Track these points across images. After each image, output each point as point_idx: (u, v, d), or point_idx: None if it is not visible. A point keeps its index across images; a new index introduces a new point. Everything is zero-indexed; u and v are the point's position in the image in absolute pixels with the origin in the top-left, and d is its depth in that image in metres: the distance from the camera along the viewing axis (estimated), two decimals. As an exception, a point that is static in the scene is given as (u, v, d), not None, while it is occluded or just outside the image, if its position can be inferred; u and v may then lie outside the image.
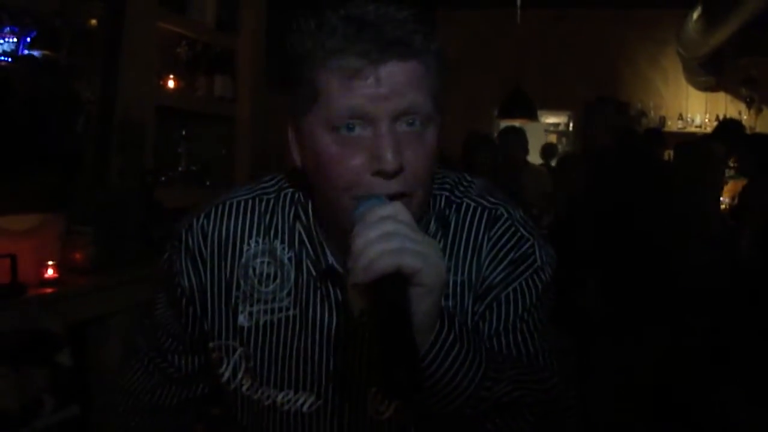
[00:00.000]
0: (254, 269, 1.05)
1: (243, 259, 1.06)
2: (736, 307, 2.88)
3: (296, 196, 1.07)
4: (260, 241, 1.06)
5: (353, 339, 1.03)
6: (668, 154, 5.17)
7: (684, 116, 7.55)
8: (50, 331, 2.22)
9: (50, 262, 2.45)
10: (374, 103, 0.88)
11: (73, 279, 2.52)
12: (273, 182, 1.10)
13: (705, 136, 6.54)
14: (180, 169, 3.52)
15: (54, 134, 2.73)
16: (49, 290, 2.38)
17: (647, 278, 3.02)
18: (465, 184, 1.09)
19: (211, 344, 1.09)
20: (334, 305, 1.04)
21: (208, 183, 3.60)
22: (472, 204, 1.06)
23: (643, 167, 3.21)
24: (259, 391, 1.08)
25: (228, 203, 1.09)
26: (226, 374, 1.09)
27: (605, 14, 7.29)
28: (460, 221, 1.05)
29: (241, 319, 1.06)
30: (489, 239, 1.04)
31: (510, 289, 1.03)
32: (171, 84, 3.31)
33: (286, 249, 1.05)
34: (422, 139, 0.92)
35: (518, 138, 5.43)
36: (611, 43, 7.46)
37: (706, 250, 2.90)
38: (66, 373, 2.25)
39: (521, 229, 1.05)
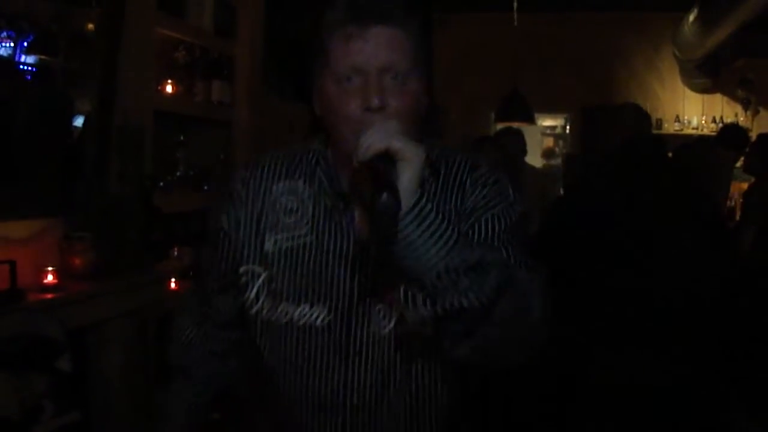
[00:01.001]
0: (280, 204, 1.34)
1: (272, 197, 1.35)
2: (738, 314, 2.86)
3: (317, 146, 1.38)
4: (287, 182, 1.36)
5: (360, 261, 1.28)
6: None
7: (681, 118, 7.57)
8: (50, 337, 2.21)
9: (50, 268, 2.44)
10: (364, 59, 1.22)
11: (73, 284, 2.51)
12: (300, 143, 1.42)
13: (702, 138, 6.59)
14: (178, 173, 3.52)
15: (52, 140, 2.73)
16: (48, 296, 2.37)
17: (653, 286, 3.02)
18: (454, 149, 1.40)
19: (240, 269, 1.35)
20: (345, 231, 1.30)
21: (206, 188, 3.60)
22: (458, 156, 1.36)
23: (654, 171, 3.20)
24: (279, 310, 1.32)
25: (264, 157, 1.41)
26: (251, 297, 1.35)
27: (602, 17, 7.32)
28: (449, 168, 1.34)
29: (267, 245, 1.33)
30: (472, 179, 1.32)
31: (489, 213, 1.27)
32: (169, 89, 3.31)
33: (307, 187, 1.34)
34: (404, 89, 1.24)
35: (516, 138, 5.45)
36: (608, 45, 7.48)
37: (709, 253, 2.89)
38: (66, 379, 2.24)
39: (497, 173, 1.35)
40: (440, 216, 1.08)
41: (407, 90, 1.24)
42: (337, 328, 1.29)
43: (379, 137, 1.07)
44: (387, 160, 1.06)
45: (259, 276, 1.34)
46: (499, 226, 1.26)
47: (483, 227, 1.26)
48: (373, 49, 1.22)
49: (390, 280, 1.20)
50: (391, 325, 1.27)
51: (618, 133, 3.13)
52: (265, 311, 1.33)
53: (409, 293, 1.10)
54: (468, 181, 1.32)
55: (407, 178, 1.05)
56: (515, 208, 1.30)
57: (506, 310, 1.09)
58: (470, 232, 1.26)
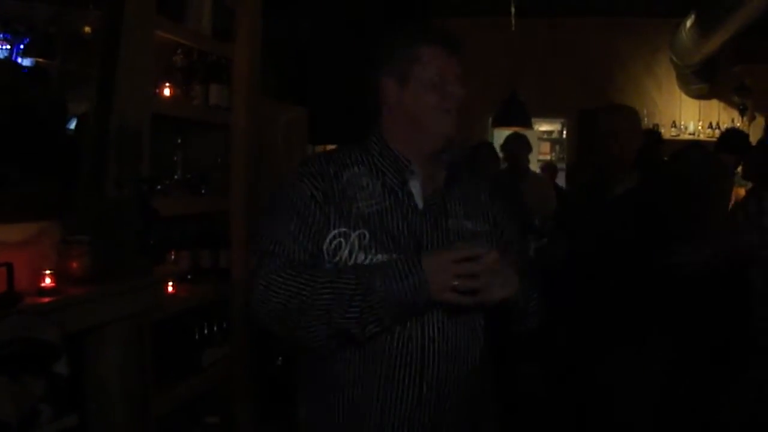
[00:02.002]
0: (356, 182, 1.73)
1: (345, 178, 1.74)
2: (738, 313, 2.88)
3: (372, 142, 1.82)
4: (353, 168, 1.76)
5: (418, 226, 1.73)
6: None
7: (677, 124, 7.59)
8: (47, 341, 2.20)
9: (47, 272, 2.43)
10: (446, 71, 1.77)
11: (70, 288, 2.49)
12: (349, 145, 1.84)
13: (694, 143, 6.59)
14: (176, 177, 3.50)
15: (49, 143, 2.72)
16: (45, 299, 2.36)
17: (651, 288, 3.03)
18: None
19: (332, 233, 1.68)
20: (405, 204, 1.75)
21: (203, 191, 3.59)
22: (456, 155, 1.89)
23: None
24: (372, 259, 1.66)
25: (326, 152, 1.86)
26: (345, 253, 1.67)
27: (599, 22, 7.34)
28: (459, 165, 1.89)
29: (355, 211, 1.70)
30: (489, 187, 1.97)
31: (507, 218, 1.95)
32: (167, 92, 3.30)
33: (372, 171, 1.77)
34: (462, 91, 1.78)
35: (524, 145, 5.46)
36: (605, 51, 7.50)
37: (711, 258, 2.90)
38: (63, 383, 2.23)
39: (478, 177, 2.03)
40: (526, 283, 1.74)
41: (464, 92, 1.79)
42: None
43: (509, 284, 1.63)
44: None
45: (350, 235, 1.67)
46: (515, 227, 1.95)
47: (509, 230, 1.91)
48: (452, 68, 1.77)
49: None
50: None
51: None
52: (360, 260, 1.66)
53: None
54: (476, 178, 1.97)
55: (515, 298, 1.71)
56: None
57: (536, 306, 1.85)
58: (498, 215, 1.90)
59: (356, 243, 1.67)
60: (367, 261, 1.66)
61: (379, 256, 1.66)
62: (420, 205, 1.76)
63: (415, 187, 1.79)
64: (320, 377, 1.77)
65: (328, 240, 1.68)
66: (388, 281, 1.56)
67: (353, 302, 1.56)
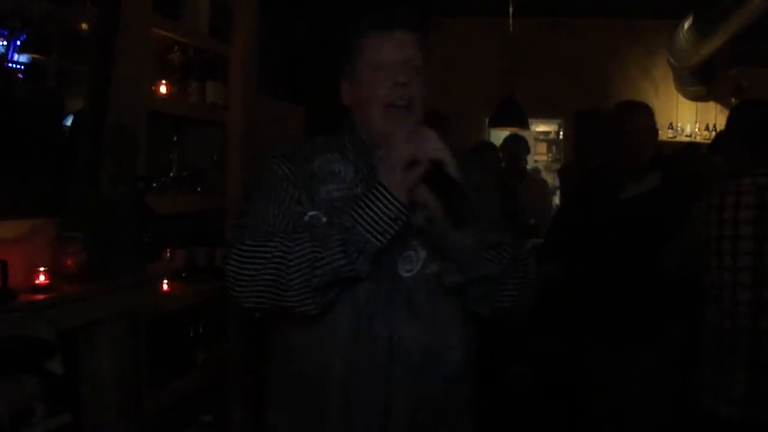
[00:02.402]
0: (326, 167, 1.69)
1: (317, 162, 1.70)
2: None
3: (344, 133, 1.78)
4: (325, 155, 1.72)
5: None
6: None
7: (674, 125, 7.59)
8: (41, 339, 2.19)
9: (41, 269, 2.42)
10: (393, 53, 1.66)
11: (65, 285, 2.49)
12: (323, 136, 1.80)
13: (690, 145, 6.60)
14: (171, 175, 3.49)
15: (45, 139, 2.71)
16: (40, 297, 2.35)
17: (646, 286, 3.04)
18: None
19: (305, 216, 1.63)
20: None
21: (199, 189, 3.58)
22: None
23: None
24: None
25: (296, 144, 1.79)
26: None
27: (596, 23, 7.34)
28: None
29: (324, 195, 1.65)
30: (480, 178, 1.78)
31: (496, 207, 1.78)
32: (163, 89, 3.29)
33: (347, 156, 1.72)
34: (418, 77, 1.67)
35: (523, 146, 5.47)
36: (602, 52, 7.51)
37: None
38: (57, 381, 2.22)
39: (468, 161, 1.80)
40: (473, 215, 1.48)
41: (420, 80, 1.67)
42: (382, 267, 1.58)
43: (435, 146, 1.47)
44: (441, 166, 1.46)
45: (321, 219, 1.61)
46: (491, 197, 1.77)
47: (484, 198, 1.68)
48: (398, 45, 1.67)
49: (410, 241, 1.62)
50: (416, 269, 1.64)
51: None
52: None
53: (446, 265, 1.57)
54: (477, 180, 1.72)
55: None
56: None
57: (516, 277, 1.61)
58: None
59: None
60: None
61: None
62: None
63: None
64: (282, 384, 1.74)
65: (305, 218, 1.64)
66: (356, 208, 1.50)
67: (332, 236, 1.49)
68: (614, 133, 3.21)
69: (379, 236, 1.48)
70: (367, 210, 1.48)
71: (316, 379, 1.63)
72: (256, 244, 1.55)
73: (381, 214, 1.47)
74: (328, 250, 1.48)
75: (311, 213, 1.63)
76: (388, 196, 1.47)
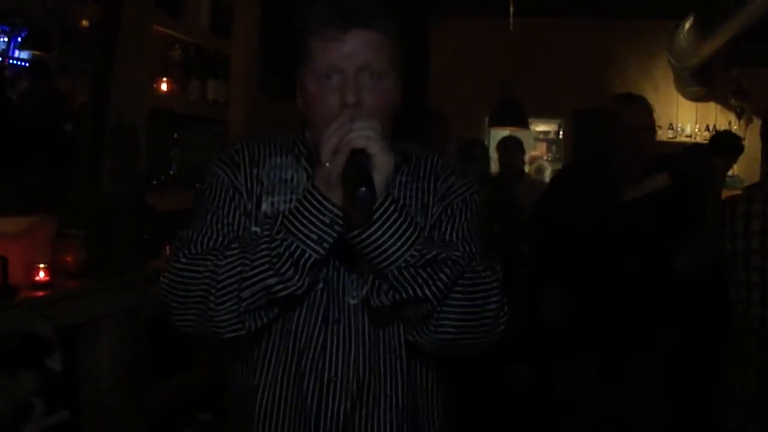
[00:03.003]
0: (275, 174, 1.42)
1: (266, 167, 1.43)
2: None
3: (297, 135, 1.48)
4: (278, 158, 1.44)
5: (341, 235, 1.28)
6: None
7: (674, 126, 7.59)
8: (40, 335, 2.19)
9: (41, 265, 2.42)
10: (343, 58, 1.30)
11: (65, 282, 2.49)
12: (278, 134, 1.51)
13: (694, 146, 6.60)
14: (172, 172, 3.49)
15: (46, 136, 2.71)
16: (40, 293, 2.36)
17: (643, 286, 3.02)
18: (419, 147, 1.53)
19: (252, 229, 1.37)
20: None
21: (196, 186, 3.57)
22: (426, 152, 1.51)
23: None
24: None
25: (249, 140, 1.48)
26: None
27: (597, 23, 7.33)
28: (419, 158, 1.48)
29: (264, 207, 1.40)
30: (442, 167, 1.47)
31: (460, 198, 1.43)
32: (164, 87, 3.29)
33: (297, 163, 1.44)
34: (379, 87, 1.34)
35: (518, 147, 5.47)
36: (603, 52, 7.50)
37: (705, 259, 2.87)
38: (56, 378, 2.22)
39: (462, 164, 1.55)
40: (403, 216, 1.24)
41: (383, 88, 1.35)
42: (318, 294, 1.37)
43: (360, 135, 1.19)
44: (364, 155, 1.19)
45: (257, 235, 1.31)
46: (468, 211, 1.43)
47: (455, 209, 1.42)
48: (351, 50, 1.31)
49: (359, 264, 1.34)
50: (361, 296, 1.37)
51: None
52: None
53: (375, 282, 1.27)
54: (439, 166, 1.48)
55: (377, 180, 1.17)
56: (477, 197, 1.46)
57: (462, 303, 1.28)
58: (443, 215, 1.42)
59: None
60: None
61: None
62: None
63: None
64: (233, 413, 1.53)
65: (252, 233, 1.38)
66: (288, 215, 1.24)
67: (260, 249, 1.23)
68: (614, 129, 3.02)
69: (314, 245, 1.22)
70: (298, 216, 1.23)
71: (247, 397, 1.44)
72: (188, 262, 1.32)
73: (314, 219, 1.22)
74: (254, 268, 1.23)
75: (254, 229, 1.37)
76: (319, 197, 1.22)
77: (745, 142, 6.73)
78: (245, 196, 1.40)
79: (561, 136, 8.66)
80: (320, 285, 1.37)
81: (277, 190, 1.41)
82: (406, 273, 1.23)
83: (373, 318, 1.38)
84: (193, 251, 1.34)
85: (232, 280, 1.25)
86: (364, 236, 1.22)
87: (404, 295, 1.24)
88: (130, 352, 2.76)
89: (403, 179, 1.45)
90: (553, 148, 9.19)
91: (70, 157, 2.76)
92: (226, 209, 1.39)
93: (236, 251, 1.27)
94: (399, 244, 1.22)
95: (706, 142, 6.76)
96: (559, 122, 8.56)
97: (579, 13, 7.14)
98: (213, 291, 1.26)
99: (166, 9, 3.22)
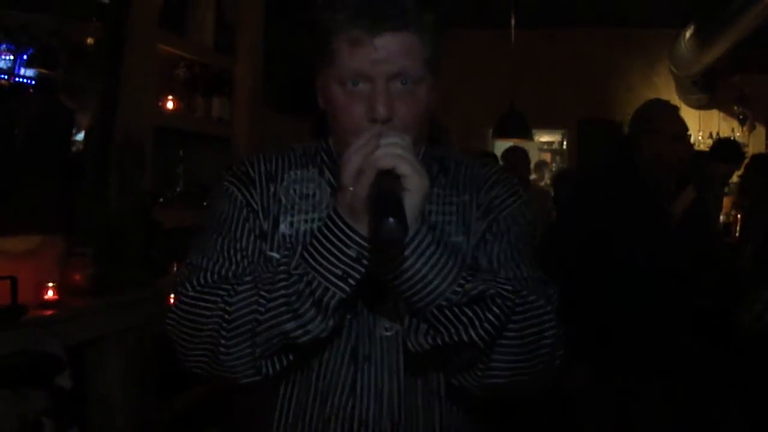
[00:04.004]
0: (295, 189, 1.24)
1: (285, 183, 1.25)
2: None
3: (321, 144, 1.30)
4: (299, 171, 1.27)
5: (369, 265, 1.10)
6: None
7: (678, 134, 7.58)
8: (50, 354, 2.20)
9: (50, 284, 2.44)
10: (372, 66, 1.11)
11: (73, 301, 2.50)
12: (300, 144, 1.34)
13: (695, 153, 6.58)
14: (178, 189, 3.51)
15: (53, 155, 2.73)
16: (49, 312, 2.37)
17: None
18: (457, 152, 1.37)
19: (267, 253, 1.20)
20: None
21: (205, 203, 3.59)
22: (465, 158, 1.32)
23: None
24: None
25: (265, 154, 1.30)
26: None
27: (599, 33, 7.35)
28: (458, 165, 1.29)
29: (282, 228, 1.22)
30: (484, 175, 1.27)
31: (506, 212, 1.23)
32: (170, 105, 3.32)
33: (324, 174, 1.26)
34: (413, 96, 1.15)
35: (523, 158, 5.48)
36: (605, 61, 7.52)
37: (708, 268, 2.84)
38: (66, 396, 2.23)
39: (507, 175, 1.30)
40: (442, 247, 1.05)
41: (417, 98, 1.16)
42: (346, 326, 1.18)
43: (388, 152, 1.01)
44: (393, 176, 1.00)
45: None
46: (516, 226, 1.23)
47: (502, 225, 1.22)
48: (382, 57, 1.12)
49: (393, 296, 1.15)
50: (394, 330, 1.19)
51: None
52: None
53: (413, 323, 1.08)
54: (481, 176, 1.27)
55: (408, 206, 0.99)
56: (529, 209, 1.27)
57: (514, 342, 1.09)
58: (488, 234, 1.22)
59: None
60: None
61: None
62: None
63: None
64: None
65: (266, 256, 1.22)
66: (309, 247, 1.06)
67: (276, 288, 1.05)
68: (651, 136, 2.67)
69: (338, 282, 1.04)
70: (319, 248, 1.05)
71: None
72: (196, 296, 1.16)
73: (337, 252, 1.04)
74: (270, 310, 1.06)
75: (270, 254, 1.20)
76: (342, 225, 1.04)
77: (748, 149, 6.75)
78: (261, 215, 1.23)
79: (565, 146, 8.68)
80: (348, 315, 1.17)
81: (297, 207, 1.23)
82: (448, 313, 1.05)
83: (410, 356, 1.16)
84: (203, 282, 1.17)
85: (244, 319, 1.08)
86: (397, 272, 1.05)
87: (446, 338, 1.06)
88: (138, 370, 2.77)
89: (441, 192, 1.25)
90: (557, 158, 9.22)
91: (78, 176, 2.78)
92: (239, 232, 1.22)
93: (249, 285, 1.10)
94: (438, 280, 1.04)
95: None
96: (563, 132, 8.57)
97: (580, 24, 7.17)
98: (224, 333, 1.10)
99: (170, 27, 3.25)
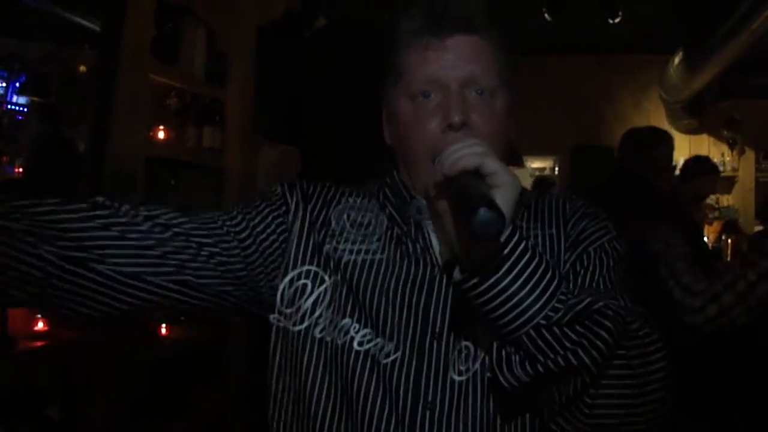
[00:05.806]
0: (348, 215, 1.16)
1: (340, 206, 1.18)
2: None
3: (383, 182, 1.23)
4: (357, 198, 1.20)
5: (435, 294, 1.06)
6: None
7: (668, 159, 7.62)
8: (39, 385, 2.18)
9: (40, 315, 2.42)
10: (443, 70, 1.07)
11: (63, 332, 2.48)
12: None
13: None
14: (170, 218, 3.50)
15: (44, 182, 2.72)
16: (38, 343, 2.34)
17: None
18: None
19: (297, 271, 1.12)
20: (415, 259, 1.10)
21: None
22: (544, 196, 1.23)
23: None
24: (337, 327, 1.08)
25: (327, 183, 1.24)
26: (308, 303, 1.10)
27: (588, 60, 7.42)
28: (539, 202, 1.20)
29: (327, 249, 1.13)
30: (570, 208, 1.18)
31: (597, 244, 1.11)
32: (161, 135, 3.32)
33: (386, 210, 1.18)
34: (490, 106, 1.10)
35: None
36: (595, 88, 7.58)
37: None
38: (55, 427, 2.21)
39: (593, 209, 1.20)
40: (538, 256, 0.90)
41: (493, 109, 1.11)
42: (404, 368, 1.04)
43: (470, 152, 0.90)
44: (476, 179, 0.89)
45: (323, 281, 1.10)
46: (608, 260, 1.09)
47: (592, 259, 1.09)
48: (454, 60, 1.07)
49: (470, 327, 1.02)
50: (472, 371, 1.03)
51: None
52: (320, 326, 1.08)
53: (503, 352, 0.93)
54: (567, 209, 1.18)
55: (501, 204, 0.86)
56: (618, 244, 1.13)
57: (622, 372, 0.92)
58: (578, 264, 1.09)
59: (326, 295, 1.10)
60: (331, 334, 1.07)
61: (354, 328, 1.06)
62: (439, 258, 1.11)
63: (429, 232, 1.13)
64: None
65: (288, 279, 1.12)
66: None
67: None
68: (654, 166, 2.77)
69: None
70: None
71: None
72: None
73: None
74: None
75: (309, 268, 1.11)
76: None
77: (738, 173, 6.79)
78: (296, 231, 1.14)
79: (556, 173, 8.70)
80: (398, 353, 1.04)
81: (345, 236, 1.13)
82: (547, 334, 0.88)
83: (496, 400, 1.01)
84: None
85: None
86: (486, 285, 0.89)
87: (550, 364, 0.88)
88: (129, 400, 2.74)
89: (524, 225, 1.14)
90: (550, 184, 9.24)
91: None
92: (259, 208, 1.17)
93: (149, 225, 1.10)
94: (536, 293, 0.89)
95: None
96: (554, 159, 8.60)
97: (569, 50, 7.23)
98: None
99: (161, 57, 3.26)
